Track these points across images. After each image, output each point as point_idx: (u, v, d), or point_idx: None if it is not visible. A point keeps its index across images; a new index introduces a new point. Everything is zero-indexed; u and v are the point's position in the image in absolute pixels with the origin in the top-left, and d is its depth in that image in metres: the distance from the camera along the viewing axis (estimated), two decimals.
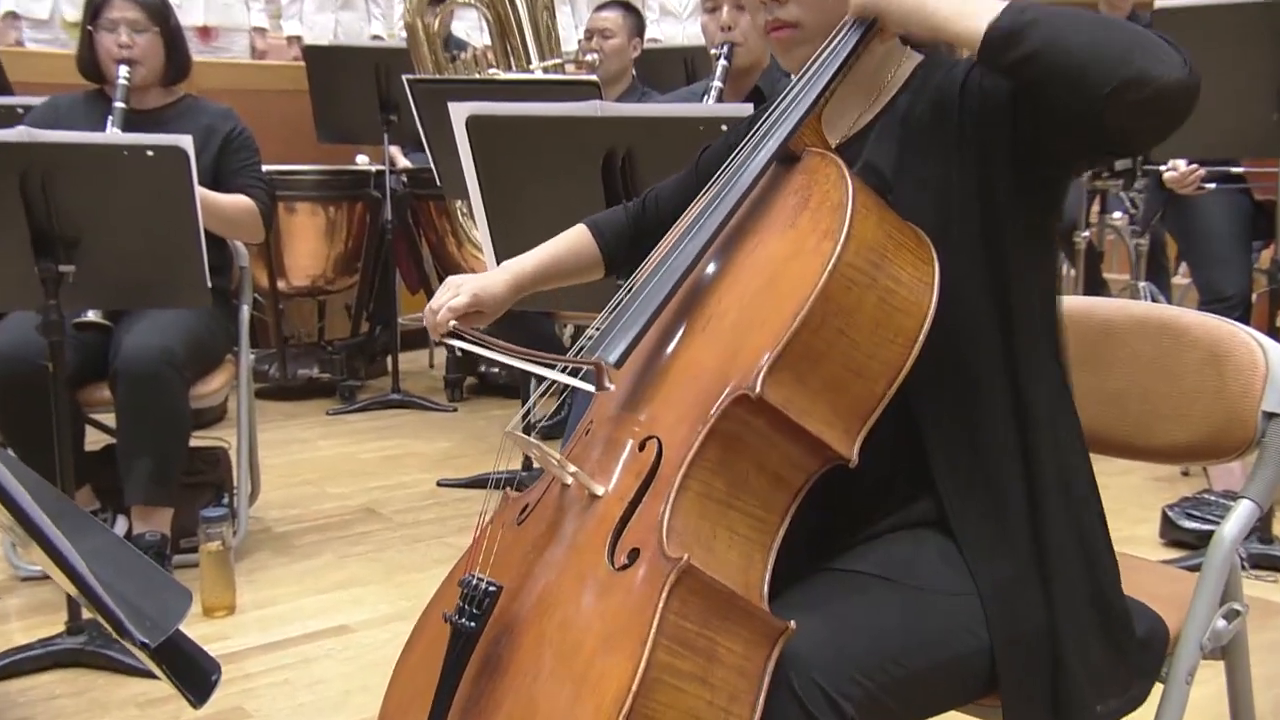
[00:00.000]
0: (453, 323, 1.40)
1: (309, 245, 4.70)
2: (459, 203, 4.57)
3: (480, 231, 2.53)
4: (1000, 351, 1.27)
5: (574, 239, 1.59)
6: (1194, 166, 3.45)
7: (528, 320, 3.60)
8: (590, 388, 1.19)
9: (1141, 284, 4.02)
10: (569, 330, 5.00)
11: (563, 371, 1.24)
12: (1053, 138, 1.22)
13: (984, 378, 1.27)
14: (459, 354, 4.83)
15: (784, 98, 1.33)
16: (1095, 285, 4.63)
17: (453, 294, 1.43)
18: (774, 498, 1.17)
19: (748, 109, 2.31)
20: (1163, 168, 3.52)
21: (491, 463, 3.84)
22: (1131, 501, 3.34)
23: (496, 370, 4.89)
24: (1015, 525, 1.25)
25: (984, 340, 1.26)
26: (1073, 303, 1.60)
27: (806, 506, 1.19)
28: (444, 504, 3.52)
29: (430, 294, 5.00)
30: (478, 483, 3.67)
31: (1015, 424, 1.26)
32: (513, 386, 4.76)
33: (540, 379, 1.28)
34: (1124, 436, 1.55)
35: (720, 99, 2.83)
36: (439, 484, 3.69)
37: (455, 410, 4.68)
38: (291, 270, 4.71)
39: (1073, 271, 4.26)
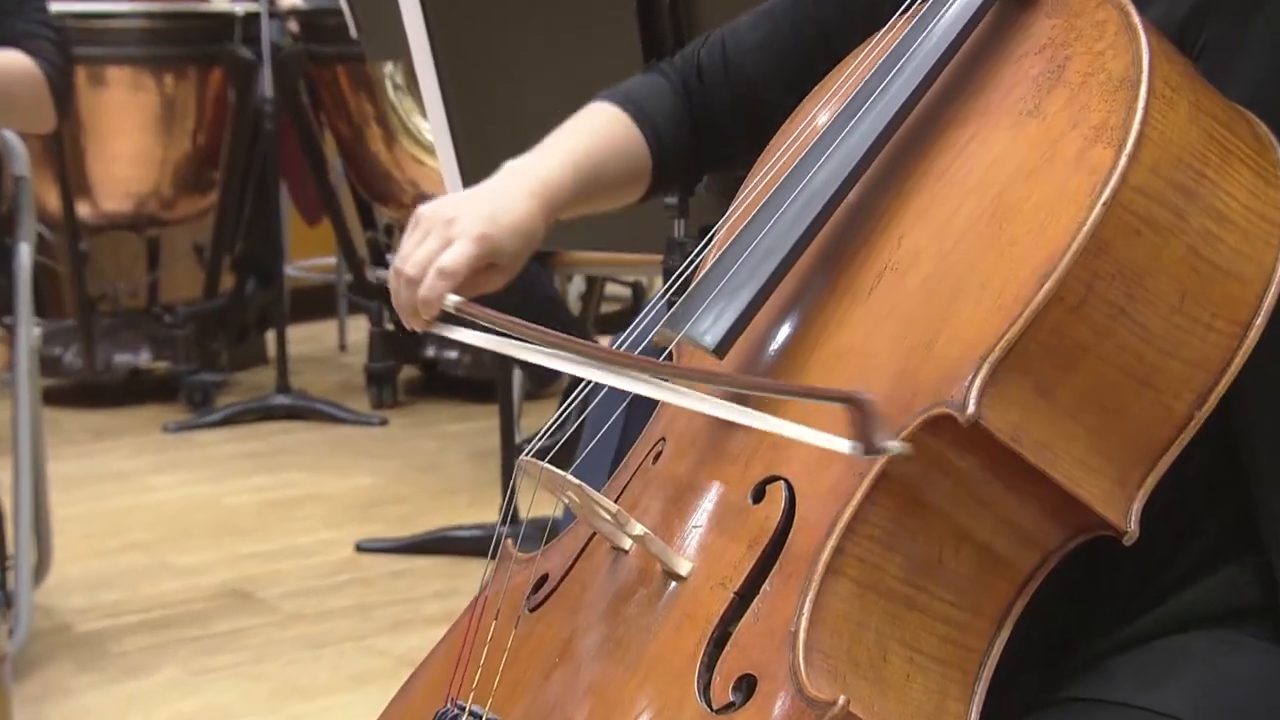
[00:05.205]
0: (452, 298, 1.31)
1: (131, 142, 4.74)
2: (389, 67, 4.59)
3: (432, 119, 2.54)
4: None
5: (608, 127, 1.52)
6: None
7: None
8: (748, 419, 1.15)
9: None
10: (576, 287, 4.98)
11: (616, 369, 1.21)
12: None
13: None
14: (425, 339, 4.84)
15: None
16: None
17: (441, 240, 1.33)
18: (986, 592, 1.16)
19: None
20: None
21: (446, 512, 3.87)
22: None
23: (456, 355, 4.90)
24: None
25: None
26: None
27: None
28: (368, 581, 3.55)
29: (341, 226, 5.07)
30: (424, 545, 3.70)
31: None
32: (482, 383, 4.77)
33: (577, 380, 1.27)
34: None
35: None
36: (359, 548, 3.73)
37: (385, 423, 4.73)
38: (101, 185, 4.77)
39: None
